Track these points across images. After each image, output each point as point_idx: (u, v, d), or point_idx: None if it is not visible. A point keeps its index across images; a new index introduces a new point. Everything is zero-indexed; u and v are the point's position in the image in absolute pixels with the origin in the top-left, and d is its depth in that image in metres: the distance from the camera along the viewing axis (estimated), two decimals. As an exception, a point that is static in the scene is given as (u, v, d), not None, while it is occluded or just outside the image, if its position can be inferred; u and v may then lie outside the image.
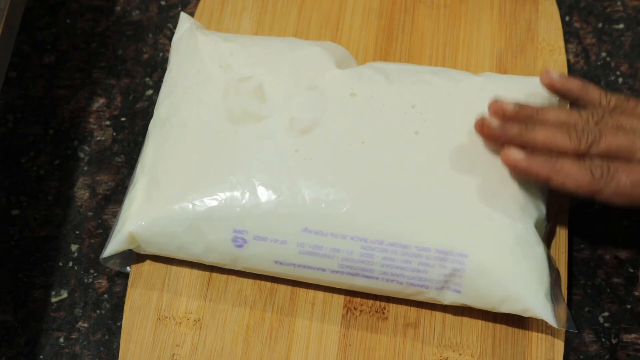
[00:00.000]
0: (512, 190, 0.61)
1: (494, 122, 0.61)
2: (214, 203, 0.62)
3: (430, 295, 0.61)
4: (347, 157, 0.62)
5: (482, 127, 0.61)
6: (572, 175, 0.58)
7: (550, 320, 0.59)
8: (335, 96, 0.64)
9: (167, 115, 0.66)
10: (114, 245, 0.64)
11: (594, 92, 0.63)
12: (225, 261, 0.63)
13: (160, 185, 0.63)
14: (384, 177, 0.61)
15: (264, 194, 0.61)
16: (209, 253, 0.63)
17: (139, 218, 0.63)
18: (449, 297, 0.61)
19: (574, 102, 0.64)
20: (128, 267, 0.66)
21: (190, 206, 0.62)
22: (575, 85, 0.63)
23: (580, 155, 0.59)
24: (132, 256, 0.66)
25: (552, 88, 0.64)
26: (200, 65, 0.67)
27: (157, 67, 0.76)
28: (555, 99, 0.65)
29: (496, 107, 0.62)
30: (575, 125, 0.60)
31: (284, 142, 0.63)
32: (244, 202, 0.61)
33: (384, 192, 0.61)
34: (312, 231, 0.60)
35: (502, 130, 0.61)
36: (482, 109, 0.63)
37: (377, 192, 0.61)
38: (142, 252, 0.65)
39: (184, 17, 0.71)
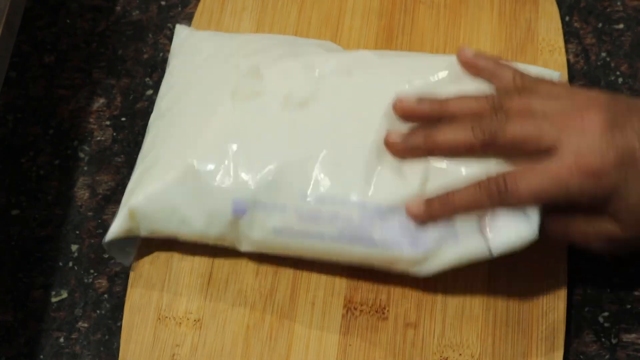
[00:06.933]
0: None
1: (397, 138, 0.60)
2: (213, 173, 0.62)
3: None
4: (342, 129, 0.62)
5: (388, 145, 0.61)
6: (472, 203, 0.58)
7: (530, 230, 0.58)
8: (331, 74, 0.65)
9: (167, 107, 0.66)
10: (116, 226, 0.63)
11: (507, 72, 0.61)
12: (226, 234, 0.63)
13: (159, 163, 0.63)
14: (382, 148, 0.61)
15: (262, 163, 0.61)
16: (210, 227, 0.62)
17: (138, 194, 0.63)
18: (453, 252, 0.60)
19: (488, 81, 0.62)
20: (130, 259, 0.66)
21: (189, 177, 0.62)
22: (487, 63, 0.62)
23: (486, 147, 0.58)
24: (134, 247, 0.66)
25: (466, 65, 0.63)
26: (201, 61, 0.67)
27: (157, 67, 0.76)
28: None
29: (398, 108, 0.61)
30: (481, 114, 0.59)
31: (280, 114, 0.63)
32: (242, 171, 0.61)
33: (380, 162, 0.61)
34: (310, 197, 0.61)
35: (406, 145, 0.60)
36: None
37: (373, 161, 0.61)
38: (143, 234, 0.64)
39: (179, 28, 0.71)
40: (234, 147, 0.62)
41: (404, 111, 0.61)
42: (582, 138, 0.56)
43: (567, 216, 0.58)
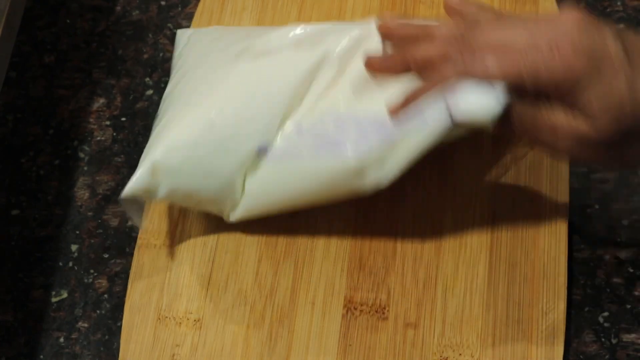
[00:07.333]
0: None
1: (375, 57, 0.62)
2: (236, 120, 0.62)
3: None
4: (342, 57, 0.63)
5: (367, 65, 0.62)
6: (443, 78, 0.58)
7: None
8: (339, 29, 0.66)
9: (179, 78, 0.66)
10: (136, 181, 0.62)
11: (488, 12, 0.62)
12: (239, 185, 0.63)
13: (178, 118, 0.63)
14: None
15: (277, 105, 0.62)
16: (235, 175, 0.62)
17: (161, 147, 0.62)
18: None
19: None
20: (142, 220, 0.66)
21: (214, 127, 0.62)
22: (472, 8, 0.62)
23: (460, 50, 0.58)
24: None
25: (451, 12, 0.63)
26: (207, 42, 0.67)
27: (157, 67, 0.76)
28: None
29: (382, 27, 0.63)
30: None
31: (295, 56, 0.64)
32: (262, 113, 0.62)
33: (364, 84, 0.62)
34: (301, 125, 0.62)
35: (383, 61, 0.62)
36: None
37: (356, 83, 0.62)
38: (161, 194, 0.63)
39: (180, 32, 0.71)
40: (253, 93, 0.63)
41: (387, 29, 0.63)
42: (555, 30, 0.56)
43: (536, 107, 0.58)
